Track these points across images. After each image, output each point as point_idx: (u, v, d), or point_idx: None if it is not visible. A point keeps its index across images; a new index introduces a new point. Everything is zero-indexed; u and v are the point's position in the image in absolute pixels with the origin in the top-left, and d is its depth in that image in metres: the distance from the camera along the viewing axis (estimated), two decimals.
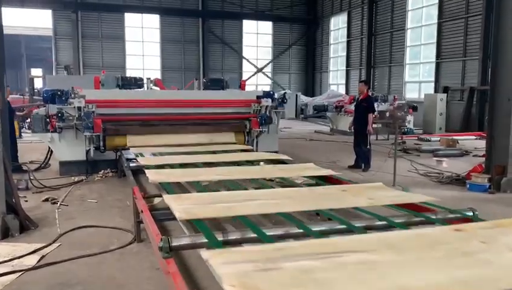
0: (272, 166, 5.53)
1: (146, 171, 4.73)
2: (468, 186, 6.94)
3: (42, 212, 5.50)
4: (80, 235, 4.73)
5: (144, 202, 3.89)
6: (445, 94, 16.67)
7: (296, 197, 3.60)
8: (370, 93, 9.90)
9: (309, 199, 3.57)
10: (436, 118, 15.77)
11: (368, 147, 8.78)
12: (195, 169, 5.14)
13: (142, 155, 6.27)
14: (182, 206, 3.15)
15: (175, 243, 2.52)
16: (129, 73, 23.75)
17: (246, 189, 4.13)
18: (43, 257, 4.07)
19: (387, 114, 8.19)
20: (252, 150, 7.46)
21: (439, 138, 12.62)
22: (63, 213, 5.52)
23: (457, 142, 11.72)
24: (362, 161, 8.78)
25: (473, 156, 10.29)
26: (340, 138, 14.61)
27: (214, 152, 6.63)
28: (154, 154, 6.48)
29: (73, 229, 4.83)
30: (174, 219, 3.18)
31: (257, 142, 8.60)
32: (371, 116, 8.76)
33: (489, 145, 7.12)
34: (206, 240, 2.56)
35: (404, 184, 6.87)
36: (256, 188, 4.19)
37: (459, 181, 7.34)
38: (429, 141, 12.80)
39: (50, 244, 4.38)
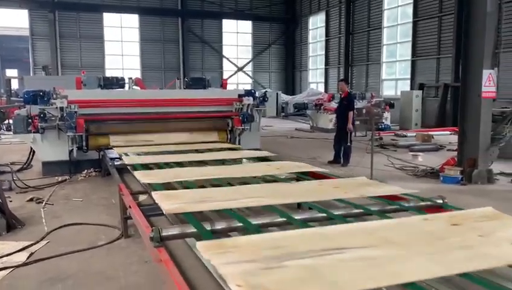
0: (261, 163, 5.63)
1: (134, 172, 4.82)
2: (441, 178, 7.27)
3: (28, 212, 5.55)
4: (67, 232, 4.82)
5: (131, 197, 4.01)
6: (421, 91, 17.16)
7: (280, 191, 3.80)
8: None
9: (292, 193, 3.77)
10: (412, 114, 16.24)
11: (349, 144, 9.04)
12: (183, 169, 5.22)
13: (126, 155, 6.36)
14: (169, 201, 3.29)
15: (165, 233, 2.67)
16: (109, 73, 23.60)
17: (232, 185, 4.27)
18: (32, 254, 4.17)
19: (364, 111, 8.45)
20: (239, 148, 7.53)
21: (415, 134, 13.04)
22: (48, 212, 5.59)
23: (433, 137, 12.13)
24: (342, 157, 9.04)
25: (447, 150, 10.68)
26: (320, 135, 14.90)
27: (197, 150, 6.74)
28: (138, 154, 6.55)
29: (61, 227, 4.91)
30: (161, 214, 3.32)
31: (239, 140, 8.76)
32: (351, 114, 9.02)
33: (461, 139, 7.46)
34: (195, 230, 2.72)
35: (381, 178, 7.14)
36: (241, 184, 4.37)
37: (433, 174, 7.66)
38: (405, 136, 13.21)
39: (38, 241, 4.46)
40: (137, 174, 4.62)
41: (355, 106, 9.86)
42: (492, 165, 7.82)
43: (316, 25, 27.67)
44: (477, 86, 7.06)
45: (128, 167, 5.37)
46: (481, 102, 7.03)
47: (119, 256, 4.13)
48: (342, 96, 9.55)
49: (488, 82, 7.01)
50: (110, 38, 26.05)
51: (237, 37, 29.44)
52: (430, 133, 12.69)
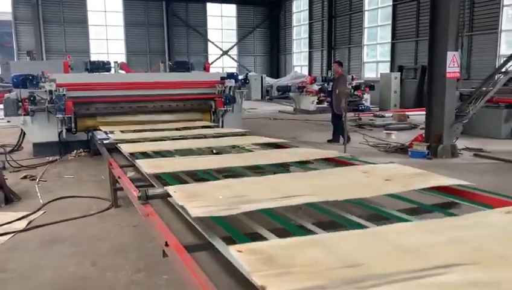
0: (233, 138, 6.19)
1: (122, 145, 5.28)
2: (409, 153, 7.82)
3: (23, 188, 5.95)
4: (62, 204, 5.25)
5: (120, 169, 4.46)
6: (399, 73, 17.69)
7: (243, 157, 4.39)
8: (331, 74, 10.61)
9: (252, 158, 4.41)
10: (391, 96, 16.80)
11: (340, 121, 9.37)
12: (165, 142, 5.74)
13: (112, 133, 6.79)
14: (150, 164, 3.80)
15: (150, 193, 3.13)
16: (94, 57, 23.61)
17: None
18: (30, 221, 4.60)
19: (337, 91, 8.94)
20: (217, 126, 8.05)
21: (391, 114, 13.60)
22: (42, 188, 6.00)
23: (408, 117, 12.71)
24: (339, 133, 9.35)
25: (421, 128, 11.22)
26: (302, 116, 15.39)
27: (178, 129, 7.24)
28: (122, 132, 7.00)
29: (55, 199, 5.34)
30: (147, 186, 3.79)
31: (223, 121, 9.18)
32: None
33: (428, 117, 8.01)
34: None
35: (354, 154, 7.66)
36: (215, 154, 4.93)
37: (402, 150, 8.22)
38: (383, 116, 13.77)
39: (35, 211, 4.89)
40: (124, 146, 5.09)
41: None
42: (459, 141, 8.43)
43: (299, 8, 27.93)
44: (442, 67, 7.57)
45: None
46: (446, 82, 7.55)
47: (110, 222, 4.58)
48: (335, 77, 9.88)
49: (452, 63, 7.52)
50: (94, 23, 26.00)
51: (222, 20, 29.56)
52: (406, 113, 13.27)
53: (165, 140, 5.90)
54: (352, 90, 8.97)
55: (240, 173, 3.98)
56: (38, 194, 5.63)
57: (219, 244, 2.35)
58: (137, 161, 4.15)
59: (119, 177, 4.33)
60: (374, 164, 4.13)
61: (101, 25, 26.18)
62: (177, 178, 3.82)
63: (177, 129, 7.16)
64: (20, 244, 4.02)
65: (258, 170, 4.29)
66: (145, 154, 4.91)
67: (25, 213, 4.81)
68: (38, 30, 24.13)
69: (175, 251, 2.31)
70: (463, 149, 8.29)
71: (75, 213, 4.83)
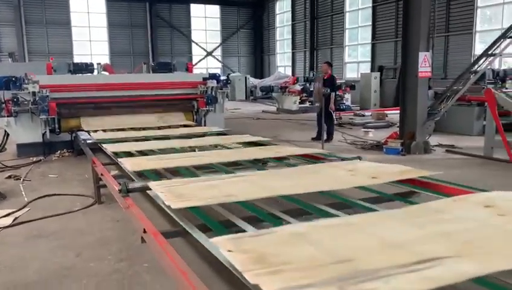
0: (213, 137, 6.43)
1: (105, 145, 5.47)
2: (384, 150, 8.15)
3: (7, 187, 6.07)
4: (46, 202, 5.40)
5: (103, 167, 4.65)
6: (379, 73, 18.12)
7: (223, 154, 4.63)
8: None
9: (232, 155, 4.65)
10: (371, 95, 17.21)
11: (329, 121, 9.68)
12: (147, 141, 5.96)
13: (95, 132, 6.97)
14: (132, 162, 4.01)
15: (130, 186, 3.35)
16: (77, 59, 23.58)
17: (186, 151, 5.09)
18: (16, 218, 4.75)
19: (314, 91, 9.29)
20: (198, 126, 8.27)
21: (371, 113, 13.97)
22: (27, 187, 6.13)
23: (387, 116, 13.08)
24: (326, 134, 9.55)
25: (398, 127, 11.60)
26: (285, 116, 15.67)
27: (160, 128, 7.46)
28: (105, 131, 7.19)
29: (40, 197, 5.49)
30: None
31: (205, 121, 9.40)
32: (332, 95, 9.76)
33: (402, 115, 8.35)
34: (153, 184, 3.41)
35: (332, 151, 7.95)
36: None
37: (378, 147, 8.54)
38: (363, 115, 14.13)
39: (21, 209, 5.04)
40: (107, 146, 5.28)
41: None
42: (433, 138, 8.80)
43: (282, 9, 28.27)
44: (415, 67, 7.91)
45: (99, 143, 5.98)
46: (418, 81, 7.90)
47: (94, 218, 4.77)
48: (325, 78, 10.08)
49: (424, 63, 7.86)
50: (77, 24, 25.93)
51: (205, 21, 29.74)
52: (384, 112, 13.64)
53: (148, 140, 6.11)
54: (328, 90, 9.20)
55: (219, 169, 4.22)
56: (23, 193, 5.77)
57: (194, 231, 2.59)
58: (119, 159, 4.36)
59: (101, 174, 4.52)
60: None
61: (84, 26, 26.12)
62: (158, 174, 4.05)
63: (159, 128, 7.37)
64: (6, 239, 4.18)
65: (236, 166, 4.54)
66: (127, 153, 5.12)
67: (10, 210, 4.96)
68: (20, 31, 23.99)
69: (152, 237, 2.53)
70: (436, 145, 8.65)
71: (59, 210, 5.00)
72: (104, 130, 7.08)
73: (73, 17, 25.80)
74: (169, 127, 7.54)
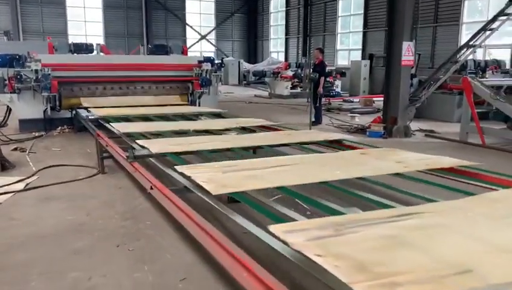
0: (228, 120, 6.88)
1: (113, 124, 5.92)
2: (367, 133, 8.68)
3: (15, 158, 6.50)
4: (53, 171, 5.85)
5: (108, 139, 5.12)
6: (369, 61, 18.59)
7: (246, 139, 5.09)
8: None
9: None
10: (361, 82, 17.70)
11: (318, 105, 10.26)
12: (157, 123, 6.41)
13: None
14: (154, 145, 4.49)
15: (137, 153, 3.83)
16: (71, 39, 23.70)
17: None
18: (27, 184, 5.22)
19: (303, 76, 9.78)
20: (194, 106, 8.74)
21: (358, 99, 14.49)
22: (33, 158, 6.57)
23: (374, 102, 13.61)
24: (315, 116, 10.09)
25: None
26: (276, 101, 16.14)
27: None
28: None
29: (47, 167, 5.94)
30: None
31: (199, 102, 9.85)
32: (322, 80, 10.27)
33: (386, 100, 8.87)
34: (158, 152, 3.90)
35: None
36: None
37: (362, 130, 9.07)
38: (352, 101, 14.65)
39: (30, 176, 5.50)
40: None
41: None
42: (415, 124, 9.36)
43: None
44: (399, 56, 8.41)
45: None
46: (401, 69, 8.40)
47: (98, 185, 5.24)
48: (316, 63, 10.67)
49: (407, 52, 8.36)
50: (72, 4, 25.95)
51: (200, 5, 29.86)
52: (372, 98, 14.16)
53: (149, 118, 6.55)
54: (316, 76, 9.69)
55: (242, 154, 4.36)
56: (30, 163, 6.21)
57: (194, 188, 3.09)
58: (138, 141, 4.67)
59: (107, 145, 5.00)
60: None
61: (79, 6, 26.15)
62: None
63: (157, 106, 7.80)
64: (21, 201, 4.66)
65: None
66: (141, 135, 5.57)
67: (21, 177, 5.41)
68: (15, 10, 23.99)
69: (159, 191, 3.03)
70: (417, 130, 9.20)
71: (66, 178, 5.45)
72: (104, 107, 7.48)
73: None
74: (167, 105, 7.96)
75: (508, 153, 7.20)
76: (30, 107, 8.63)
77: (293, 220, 2.64)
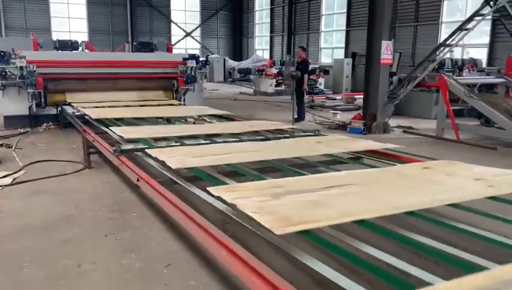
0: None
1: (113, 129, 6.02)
2: (348, 129, 8.95)
3: (1, 154, 6.56)
4: (40, 166, 5.96)
5: (95, 134, 5.26)
6: (351, 59, 18.92)
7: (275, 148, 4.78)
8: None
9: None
10: (343, 80, 18.02)
11: (301, 102, 10.51)
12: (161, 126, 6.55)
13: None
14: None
15: (123, 147, 4.00)
16: (55, 35, 23.54)
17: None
18: (15, 179, 5.33)
19: (285, 74, 10.03)
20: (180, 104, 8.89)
21: (341, 97, 14.79)
22: (19, 154, 6.65)
23: (355, 100, 13.92)
24: (297, 113, 10.39)
25: None
26: (261, 98, 16.34)
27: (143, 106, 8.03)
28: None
29: (34, 162, 6.05)
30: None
31: (184, 99, 9.99)
32: (305, 77, 10.54)
33: (365, 98, 9.15)
34: (143, 146, 4.07)
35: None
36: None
37: (343, 127, 9.34)
38: (334, 99, 14.94)
39: (17, 171, 5.60)
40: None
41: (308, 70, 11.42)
42: (395, 120, 9.66)
43: None
44: (378, 54, 8.68)
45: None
46: (380, 67, 8.68)
47: (85, 179, 5.38)
48: (299, 61, 10.96)
49: (386, 51, 8.64)
50: (55, 0, 25.73)
51: (185, 2, 29.87)
52: (354, 96, 14.47)
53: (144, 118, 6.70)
54: (298, 73, 9.94)
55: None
56: (17, 159, 6.30)
57: (182, 181, 3.28)
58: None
59: (93, 141, 5.14)
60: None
61: (62, 2, 25.93)
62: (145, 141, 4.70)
63: (141, 106, 7.94)
64: (10, 194, 4.78)
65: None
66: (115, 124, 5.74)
67: (8, 172, 5.52)
68: None
69: (145, 182, 3.21)
70: (396, 127, 9.51)
71: (53, 173, 5.57)
72: (94, 106, 7.56)
73: None
74: (150, 101, 8.07)
75: (479, 147, 7.54)
76: (15, 104, 8.67)
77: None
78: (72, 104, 8.16)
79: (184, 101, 9.89)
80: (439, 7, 16.04)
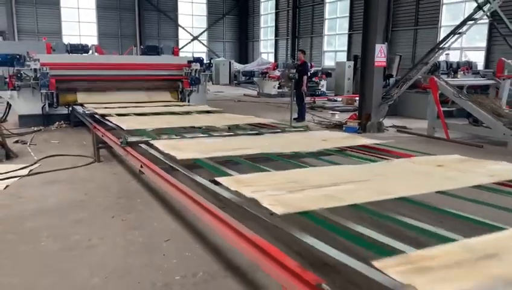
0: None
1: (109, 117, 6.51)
2: (344, 128, 9.37)
3: (17, 149, 7.10)
4: (53, 160, 6.46)
5: (103, 129, 5.75)
6: (353, 62, 19.32)
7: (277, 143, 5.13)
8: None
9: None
10: (345, 82, 18.44)
11: (301, 102, 11.01)
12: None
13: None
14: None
15: (129, 139, 4.48)
16: (66, 39, 24.24)
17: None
18: (31, 170, 5.83)
19: (281, 75, 10.50)
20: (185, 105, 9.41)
21: (341, 99, 15.22)
22: (33, 149, 7.17)
23: (355, 101, 14.31)
24: (297, 114, 10.90)
25: None
26: (264, 99, 16.82)
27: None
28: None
29: (47, 156, 6.56)
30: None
31: (189, 100, 10.49)
32: (305, 78, 11.05)
33: (361, 99, 9.57)
34: (146, 139, 4.55)
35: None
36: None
37: (340, 126, 9.76)
38: (335, 100, 15.37)
39: (33, 164, 6.12)
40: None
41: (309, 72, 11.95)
42: (390, 120, 10.07)
43: None
44: (372, 57, 9.11)
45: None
46: (374, 69, 9.10)
47: (95, 171, 5.87)
48: (299, 63, 11.48)
49: (380, 54, 9.07)
50: (66, 5, 26.47)
51: (192, 6, 30.48)
52: (354, 98, 14.88)
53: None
54: (295, 75, 10.40)
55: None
56: (32, 153, 6.82)
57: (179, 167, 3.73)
58: (111, 118, 5.41)
59: (103, 135, 5.63)
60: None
61: (73, 7, 26.67)
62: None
63: (147, 106, 8.41)
64: (27, 184, 5.28)
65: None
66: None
67: (25, 165, 6.03)
68: (10, 10, 24.47)
69: (148, 169, 3.68)
70: (390, 126, 9.92)
71: (65, 166, 6.08)
72: (105, 107, 8.02)
73: None
74: (158, 102, 8.58)
75: (466, 145, 7.93)
76: (29, 104, 9.22)
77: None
78: (83, 103, 8.64)
79: (189, 101, 10.38)
80: (438, 12, 16.42)
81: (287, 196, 2.62)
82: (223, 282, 2.97)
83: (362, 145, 4.66)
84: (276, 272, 1.80)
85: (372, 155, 4.46)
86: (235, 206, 2.99)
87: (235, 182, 2.94)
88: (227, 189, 2.94)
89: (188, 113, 6.87)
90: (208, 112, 7.15)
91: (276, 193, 2.67)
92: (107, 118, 6.20)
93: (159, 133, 5.24)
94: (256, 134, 5.46)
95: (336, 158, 4.54)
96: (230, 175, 3.34)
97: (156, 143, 4.18)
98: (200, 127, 5.73)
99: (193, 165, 3.96)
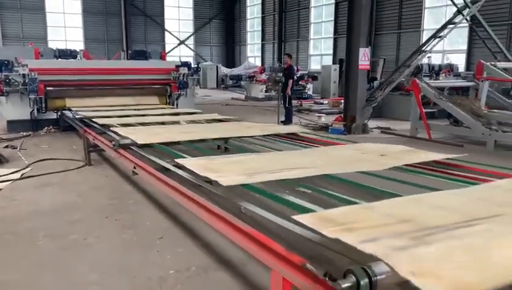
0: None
1: (96, 119, 6.60)
2: (329, 130, 9.60)
3: (7, 154, 7.14)
4: (45, 164, 6.54)
5: (94, 133, 5.86)
6: (338, 65, 19.62)
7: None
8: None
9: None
10: (331, 85, 18.73)
11: (288, 105, 11.23)
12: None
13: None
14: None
15: (121, 142, 4.61)
16: (51, 44, 24.15)
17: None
18: (23, 174, 5.92)
19: (267, 78, 10.73)
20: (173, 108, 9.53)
21: (327, 101, 15.49)
22: (24, 154, 7.23)
23: (341, 104, 14.59)
24: (284, 116, 11.12)
25: None
26: (251, 103, 17.01)
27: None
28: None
29: (39, 160, 6.64)
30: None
31: (177, 104, 10.60)
32: (290, 82, 11.26)
33: (345, 101, 9.82)
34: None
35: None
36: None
37: (325, 128, 9.99)
38: (322, 103, 15.63)
39: (25, 168, 6.19)
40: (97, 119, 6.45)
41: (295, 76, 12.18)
42: (375, 122, 10.32)
43: (253, 1, 29.49)
44: (356, 60, 9.37)
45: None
46: (358, 72, 9.36)
47: (86, 174, 5.98)
48: (285, 67, 11.70)
49: (363, 57, 9.32)
50: (51, 10, 26.37)
51: (179, 11, 30.60)
52: (339, 100, 15.15)
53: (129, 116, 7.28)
54: (282, 78, 10.62)
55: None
56: (22, 158, 6.89)
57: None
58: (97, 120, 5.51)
59: (94, 139, 5.75)
60: None
61: (58, 12, 26.58)
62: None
63: (135, 110, 8.53)
64: (20, 187, 5.37)
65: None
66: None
67: (16, 169, 6.11)
68: None
69: (142, 169, 3.82)
70: (375, 128, 10.18)
71: (57, 169, 6.17)
72: (93, 110, 8.10)
73: (48, 3, 26.22)
74: (145, 105, 8.70)
75: (447, 145, 8.21)
76: (18, 109, 9.24)
77: None
78: (72, 108, 8.71)
79: (177, 105, 10.50)
80: (421, 15, 16.83)
81: (417, 251, 1.63)
82: (215, 275, 3.14)
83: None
84: (264, 256, 1.97)
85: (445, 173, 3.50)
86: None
87: (320, 220, 1.99)
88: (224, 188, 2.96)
89: (193, 122, 6.86)
90: (219, 120, 7.08)
91: (398, 242, 1.70)
92: (112, 129, 6.01)
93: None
94: (293, 146, 4.79)
95: (409, 177, 3.33)
96: (307, 209, 2.34)
97: (186, 163, 3.41)
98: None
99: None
